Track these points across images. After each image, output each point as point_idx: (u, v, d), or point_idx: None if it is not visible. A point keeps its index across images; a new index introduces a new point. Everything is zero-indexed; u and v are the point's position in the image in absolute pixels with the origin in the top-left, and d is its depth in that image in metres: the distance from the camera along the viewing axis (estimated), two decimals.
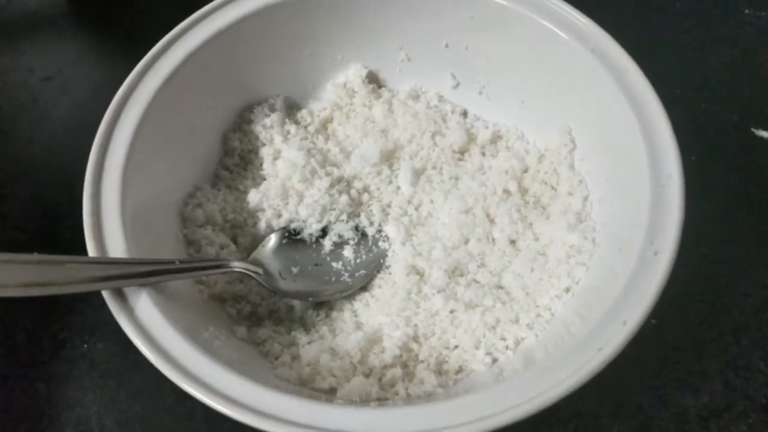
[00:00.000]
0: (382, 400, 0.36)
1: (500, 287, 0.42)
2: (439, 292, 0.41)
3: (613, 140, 0.41)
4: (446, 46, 0.48)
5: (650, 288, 0.33)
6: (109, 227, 0.36)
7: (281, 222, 0.44)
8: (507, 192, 0.45)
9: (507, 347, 0.39)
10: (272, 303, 0.42)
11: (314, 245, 0.44)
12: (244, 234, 0.44)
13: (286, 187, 0.45)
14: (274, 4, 0.45)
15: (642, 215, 0.36)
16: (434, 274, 0.42)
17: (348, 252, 0.44)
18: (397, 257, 0.43)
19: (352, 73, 0.49)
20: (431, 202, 0.45)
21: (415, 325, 0.40)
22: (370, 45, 0.49)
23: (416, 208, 0.46)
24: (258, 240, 0.44)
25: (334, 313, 0.42)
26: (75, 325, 0.43)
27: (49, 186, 0.49)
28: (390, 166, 0.47)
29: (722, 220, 0.47)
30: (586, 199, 0.43)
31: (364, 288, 0.43)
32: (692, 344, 0.43)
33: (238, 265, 0.40)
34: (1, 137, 0.52)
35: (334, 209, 0.44)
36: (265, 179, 0.46)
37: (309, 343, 0.39)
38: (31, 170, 0.50)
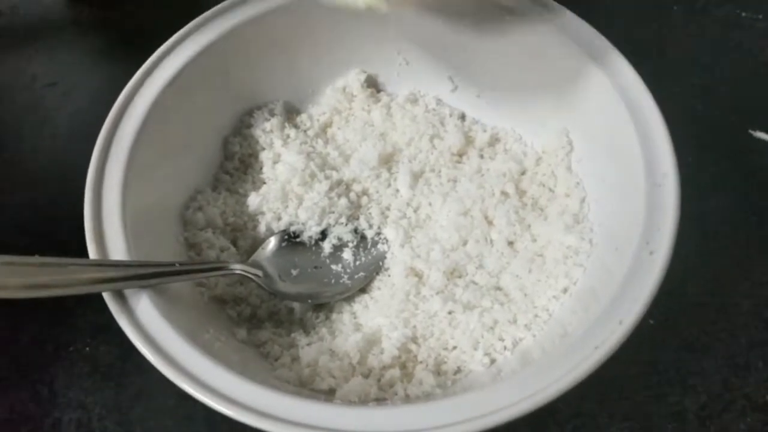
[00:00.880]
0: (380, 401, 0.37)
1: (498, 288, 0.42)
2: (437, 293, 0.41)
3: (610, 142, 0.41)
4: (444, 50, 0.48)
5: (646, 288, 0.34)
6: (110, 230, 0.37)
7: (281, 225, 0.44)
8: (505, 194, 0.45)
9: (505, 348, 0.39)
10: (272, 305, 0.43)
11: (314, 248, 0.44)
12: (244, 237, 0.45)
13: (285, 191, 0.45)
14: (273, 10, 0.46)
15: (638, 215, 0.37)
16: (433, 275, 0.42)
17: (347, 254, 0.44)
18: (396, 259, 0.44)
19: (351, 78, 0.50)
20: (430, 204, 0.46)
21: (414, 327, 0.40)
22: (368, 50, 0.49)
23: (415, 211, 0.46)
24: (258, 243, 0.44)
25: (334, 315, 0.42)
26: (77, 328, 0.43)
27: (51, 190, 0.49)
28: (389, 169, 0.47)
29: (720, 221, 0.47)
30: (583, 200, 0.43)
31: (363, 290, 0.43)
32: (690, 344, 0.43)
33: (238, 268, 0.40)
34: (4, 142, 0.53)
35: (334, 212, 0.45)
36: (265, 183, 0.46)
37: (308, 344, 0.40)
38: (33, 175, 0.51)
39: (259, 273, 0.41)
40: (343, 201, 0.45)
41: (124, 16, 0.59)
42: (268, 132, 0.48)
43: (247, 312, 0.42)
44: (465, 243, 0.44)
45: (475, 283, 0.42)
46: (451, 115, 0.49)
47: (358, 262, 0.44)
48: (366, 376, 0.38)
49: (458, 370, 0.39)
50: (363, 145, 0.48)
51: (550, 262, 0.41)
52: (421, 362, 0.39)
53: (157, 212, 0.41)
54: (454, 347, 0.39)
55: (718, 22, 0.58)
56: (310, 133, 0.49)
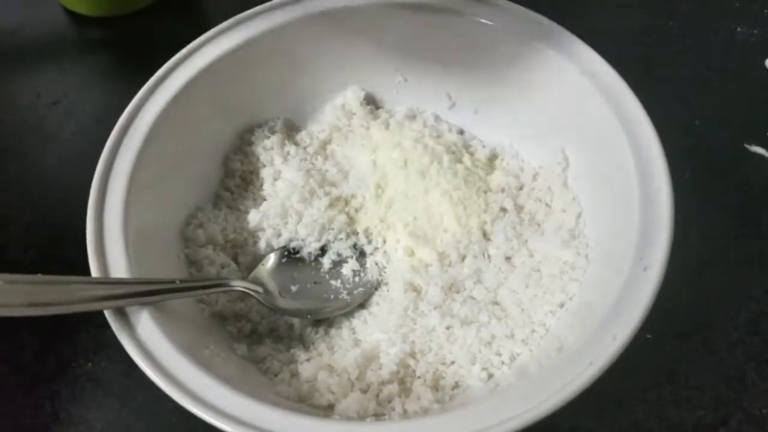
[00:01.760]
0: (379, 416, 0.37)
1: (496, 303, 0.42)
2: (435, 308, 0.42)
3: (605, 158, 0.42)
4: (441, 67, 0.49)
5: (640, 303, 0.34)
6: (111, 248, 0.37)
7: (281, 241, 0.45)
8: (503, 210, 0.46)
9: (502, 362, 0.39)
10: (272, 321, 0.43)
11: (313, 264, 0.45)
12: (244, 253, 0.45)
13: (285, 207, 0.45)
14: (273, 29, 0.46)
15: (632, 230, 0.37)
16: (431, 291, 0.42)
17: (346, 270, 0.44)
18: (395, 274, 0.44)
19: (350, 95, 0.50)
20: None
21: (412, 342, 0.40)
22: (367, 68, 0.50)
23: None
24: (258, 259, 0.44)
25: (333, 330, 0.43)
26: (79, 345, 0.44)
27: (54, 208, 0.50)
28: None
29: (717, 236, 0.48)
30: (579, 215, 0.44)
31: (362, 305, 0.44)
32: (687, 358, 0.43)
33: (238, 284, 0.41)
34: (7, 160, 0.53)
35: (333, 228, 0.45)
36: (265, 199, 0.47)
37: (308, 360, 0.40)
38: (36, 192, 0.51)
39: (260, 289, 0.42)
40: (342, 217, 0.46)
41: (127, 35, 0.60)
42: (268, 149, 0.48)
43: (248, 328, 0.42)
44: (463, 258, 0.44)
45: (473, 298, 0.42)
46: (449, 131, 0.50)
47: (357, 278, 0.44)
48: (364, 391, 0.38)
49: (456, 385, 0.39)
50: (361, 161, 0.48)
51: (547, 277, 0.42)
52: (419, 377, 0.39)
53: (159, 229, 0.42)
54: (452, 362, 0.40)
55: (714, 37, 0.59)
56: (310, 150, 0.49)
